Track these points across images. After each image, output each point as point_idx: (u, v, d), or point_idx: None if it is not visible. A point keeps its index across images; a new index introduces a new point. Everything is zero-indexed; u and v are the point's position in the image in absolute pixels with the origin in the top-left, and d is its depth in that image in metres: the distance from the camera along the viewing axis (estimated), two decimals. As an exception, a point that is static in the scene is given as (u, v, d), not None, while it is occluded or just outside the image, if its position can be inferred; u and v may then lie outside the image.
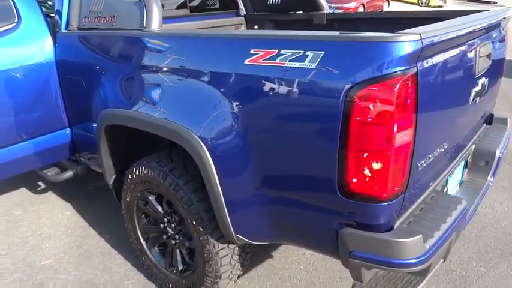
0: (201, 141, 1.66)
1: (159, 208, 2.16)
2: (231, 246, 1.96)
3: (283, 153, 1.50)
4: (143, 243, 2.35)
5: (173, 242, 2.17)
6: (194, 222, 1.91)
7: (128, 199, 2.29)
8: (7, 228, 2.98)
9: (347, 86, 1.29)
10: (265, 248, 2.50)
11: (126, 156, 2.33)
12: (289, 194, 1.57)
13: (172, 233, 2.16)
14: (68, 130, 2.69)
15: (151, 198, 2.18)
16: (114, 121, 2.09)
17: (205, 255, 1.94)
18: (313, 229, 1.57)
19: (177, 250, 2.19)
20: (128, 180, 2.22)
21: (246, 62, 1.53)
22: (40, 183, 3.58)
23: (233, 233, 1.76)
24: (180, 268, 2.19)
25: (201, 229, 1.90)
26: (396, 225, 1.47)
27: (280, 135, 1.48)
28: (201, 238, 1.92)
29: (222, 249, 1.93)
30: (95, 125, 2.35)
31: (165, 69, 1.84)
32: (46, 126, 2.62)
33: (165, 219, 2.16)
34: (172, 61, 1.83)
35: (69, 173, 2.81)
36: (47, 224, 3.01)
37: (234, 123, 1.58)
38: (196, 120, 1.68)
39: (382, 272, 1.60)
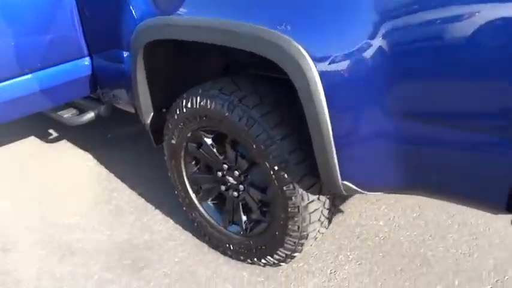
0: (305, 53, 1.15)
1: (217, 152, 1.69)
2: (322, 198, 1.51)
3: (451, 64, 0.99)
4: (192, 196, 1.90)
5: (235, 194, 1.72)
6: (276, 168, 1.44)
7: (173, 141, 1.81)
8: (20, 179, 2.52)
9: None
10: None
11: (168, 87, 1.83)
12: (450, 127, 1.07)
13: (235, 182, 1.70)
14: (87, 60, 2.14)
15: (208, 139, 1.70)
16: (161, 35, 1.55)
17: (290, 209, 1.49)
18: (477, 172, 1.10)
19: (240, 204, 1.74)
20: (175, 117, 1.72)
21: None
22: (51, 130, 3.07)
23: (339, 179, 1.29)
24: (244, 226, 1.76)
25: (286, 176, 1.44)
26: None
27: (450, 34, 0.97)
28: (284, 188, 1.46)
29: (311, 202, 1.48)
30: (126, 53, 1.83)
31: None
32: (59, 54, 2.07)
33: (225, 166, 1.69)
34: None
35: (90, 115, 2.30)
36: (65, 176, 2.55)
37: (363, 25, 1.06)
38: (298, 23, 1.16)
39: None
